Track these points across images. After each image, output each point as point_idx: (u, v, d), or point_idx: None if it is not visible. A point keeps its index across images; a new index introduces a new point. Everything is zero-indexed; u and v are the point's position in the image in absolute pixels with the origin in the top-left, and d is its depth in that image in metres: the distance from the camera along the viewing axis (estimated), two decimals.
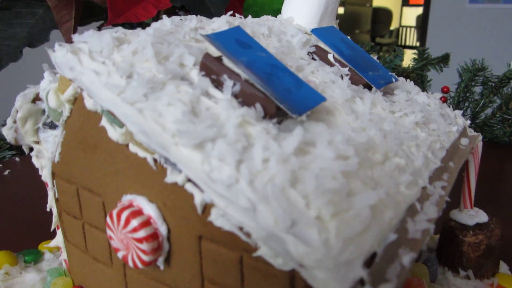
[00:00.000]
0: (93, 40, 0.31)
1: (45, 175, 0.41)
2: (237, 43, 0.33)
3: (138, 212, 0.32)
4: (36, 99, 0.37)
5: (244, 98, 0.30)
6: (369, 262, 0.24)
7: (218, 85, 0.31)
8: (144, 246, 0.31)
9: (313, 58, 0.44)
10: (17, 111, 0.37)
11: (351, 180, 0.27)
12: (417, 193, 0.31)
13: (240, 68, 0.31)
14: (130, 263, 0.33)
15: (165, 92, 0.29)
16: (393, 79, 0.45)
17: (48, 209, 0.43)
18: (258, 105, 0.30)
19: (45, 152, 0.39)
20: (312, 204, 0.24)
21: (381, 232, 0.25)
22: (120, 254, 0.34)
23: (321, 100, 0.33)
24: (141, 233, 0.31)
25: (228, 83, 0.30)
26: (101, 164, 0.35)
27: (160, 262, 0.33)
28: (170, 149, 0.27)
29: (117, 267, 0.38)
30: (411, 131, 0.38)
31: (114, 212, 0.32)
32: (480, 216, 0.49)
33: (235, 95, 0.31)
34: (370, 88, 0.42)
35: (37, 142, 0.39)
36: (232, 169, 0.25)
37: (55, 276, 0.45)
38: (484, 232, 0.48)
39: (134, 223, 0.31)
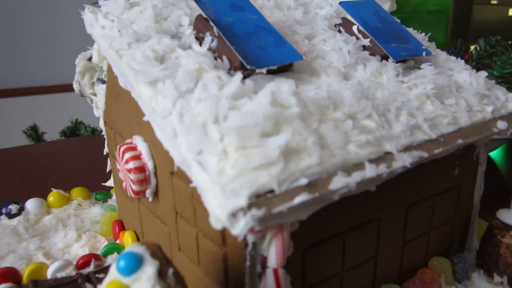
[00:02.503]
0: (110, 3, 0.37)
1: (101, 122, 0.50)
2: (230, 6, 0.37)
3: (132, 148, 0.37)
4: (91, 57, 0.46)
5: (218, 52, 0.34)
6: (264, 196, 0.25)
7: (201, 41, 0.35)
8: (132, 176, 0.37)
9: (339, 30, 0.44)
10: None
11: (281, 125, 0.28)
12: (370, 154, 0.29)
13: (218, 27, 0.34)
14: (127, 193, 0.39)
15: (147, 43, 0.34)
16: (423, 53, 0.42)
17: (104, 153, 0.52)
18: (224, 58, 0.33)
19: (99, 103, 0.48)
20: (224, 138, 0.26)
21: (287, 173, 0.26)
22: (123, 185, 0.40)
23: (296, 59, 0.34)
24: (131, 165, 0.37)
25: (207, 39, 0.34)
26: (121, 110, 0.42)
27: (149, 194, 0.38)
28: (134, 87, 0.32)
29: (135, 201, 0.45)
30: (411, 101, 0.35)
31: (117, 148, 0.39)
32: None
33: (213, 50, 0.34)
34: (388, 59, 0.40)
35: (94, 95, 0.49)
36: (169, 104, 0.29)
37: (107, 210, 0.54)
38: None
39: (127, 155, 0.37)
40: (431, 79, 0.38)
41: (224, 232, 0.30)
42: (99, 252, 0.46)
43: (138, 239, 0.47)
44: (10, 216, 0.53)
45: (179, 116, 0.28)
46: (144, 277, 0.24)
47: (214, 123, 0.27)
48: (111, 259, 0.46)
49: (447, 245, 0.46)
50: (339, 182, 0.27)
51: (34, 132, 1.01)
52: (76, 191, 0.58)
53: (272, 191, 0.25)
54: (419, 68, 0.41)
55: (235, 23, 0.35)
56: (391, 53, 0.40)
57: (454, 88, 0.40)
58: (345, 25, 0.44)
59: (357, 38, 0.42)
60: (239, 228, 0.24)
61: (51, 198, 0.56)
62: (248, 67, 0.32)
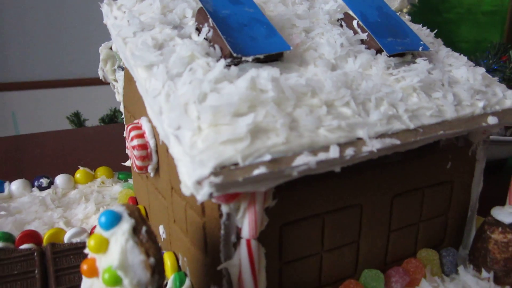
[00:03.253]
0: None
1: (121, 106, 0.54)
2: (229, 0, 0.40)
3: (137, 127, 0.42)
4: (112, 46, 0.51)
5: (213, 41, 0.37)
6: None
7: (200, 31, 0.38)
8: (136, 152, 0.41)
9: (341, 25, 0.46)
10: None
11: (256, 107, 0.31)
12: (339, 138, 0.31)
13: (215, 19, 0.37)
14: (133, 168, 0.43)
15: (150, 32, 0.37)
16: (420, 48, 0.43)
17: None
18: (216, 47, 0.36)
19: (120, 88, 0.53)
20: (200, 116, 0.30)
21: (252, 149, 0.28)
22: (131, 162, 0.44)
23: (284, 49, 0.37)
24: (135, 142, 0.41)
25: (204, 29, 0.37)
26: (133, 94, 0.46)
27: (150, 170, 0.42)
28: (134, 71, 0.36)
29: (144, 178, 0.49)
30: (395, 93, 0.37)
31: (126, 127, 0.43)
32: None
33: (209, 40, 0.37)
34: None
35: (116, 81, 0.53)
36: (159, 85, 0.32)
37: (125, 188, 0.59)
38: None
39: (132, 134, 0.41)
40: (419, 72, 0.39)
41: (203, 204, 0.33)
42: None
43: (146, 213, 0.51)
44: (41, 188, 0.59)
45: (166, 96, 0.32)
46: (120, 232, 0.28)
47: (194, 103, 0.31)
48: None
49: (440, 239, 0.46)
50: (301, 160, 0.29)
51: (76, 118, 1.09)
52: (101, 170, 0.64)
53: (236, 164, 0.28)
54: (414, 63, 0.42)
55: (231, 15, 0.38)
56: (385, 47, 0.42)
57: (446, 83, 0.41)
58: (346, 20, 0.45)
59: (355, 33, 0.44)
60: (202, 194, 0.27)
61: (78, 174, 0.62)
62: (235, 55, 0.34)
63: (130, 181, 0.63)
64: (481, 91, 0.42)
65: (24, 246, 0.46)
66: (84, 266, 0.29)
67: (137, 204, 0.55)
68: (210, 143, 0.28)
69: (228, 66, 0.35)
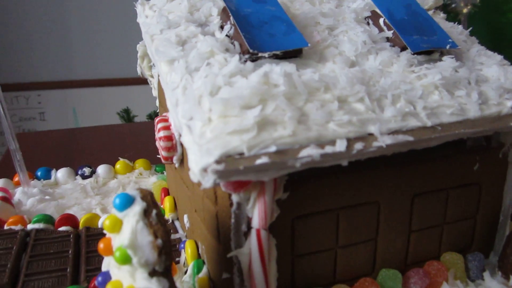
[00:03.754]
0: None
1: (157, 102, 0.57)
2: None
3: (164, 120, 0.44)
4: None
5: (234, 38, 0.38)
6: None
7: (223, 29, 0.40)
8: (162, 143, 0.43)
9: (367, 23, 0.46)
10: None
11: (266, 101, 0.32)
12: (348, 133, 0.32)
13: (237, 17, 0.38)
14: (162, 160, 0.45)
15: (176, 30, 0.40)
16: (448, 46, 0.42)
17: None
18: (236, 43, 0.37)
19: (155, 84, 0.56)
20: (211, 108, 0.31)
21: (258, 140, 0.29)
22: (160, 153, 0.46)
23: (301, 45, 0.37)
24: (161, 134, 0.43)
25: (226, 27, 0.39)
26: (162, 90, 0.48)
27: (175, 160, 0.44)
28: (158, 66, 0.38)
29: (174, 170, 0.51)
30: (415, 90, 0.36)
31: (155, 119, 0.45)
32: None
33: (230, 37, 0.39)
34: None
35: (152, 77, 0.56)
36: (178, 79, 0.34)
37: (159, 179, 0.62)
38: None
39: (159, 126, 0.43)
40: (443, 70, 0.38)
41: (216, 193, 0.35)
42: None
43: (175, 203, 0.53)
44: (84, 177, 0.63)
45: (182, 89, 0.33)
46: (132, 213, 0.30)
47: (207, 95, 0.32)
48: None
49: (467, 243, 0.45)
50: (306, 153, 0.30)
51: (126, 114, 1.15)
52: (139, 162, 0.67)
53: (242, 153, 0.29)
54: (441, 60, 0.41)
55: (252, 14, 0.39)
56: (410, 44, 0.41)
57: (473, 81, 0.39)
58: (373, 18, 0.45)
59: (381, 30, 0.44)
60: (206, 180, 0.28)
61: (118, 165, 0.66)
62: (251, 50, 0.36)
63: (165, 173, 0.66)
64: (511, 89, 0.40)
65: (62, 228, 0.50)
66: (101, 245, 0.31)
67: (168, 194, 0.57)
68: (218, 133, 0.30)
69: (245, 61, 0.36)
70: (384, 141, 0.32)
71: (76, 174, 0.64)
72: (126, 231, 0.30)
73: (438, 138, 0.34)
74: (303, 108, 0.32)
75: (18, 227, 0.49)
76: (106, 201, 0.57)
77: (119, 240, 0.30)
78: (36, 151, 0.80)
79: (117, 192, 0.60)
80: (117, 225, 0.30)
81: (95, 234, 0.49)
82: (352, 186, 0.37)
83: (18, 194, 0.57)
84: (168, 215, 0.52)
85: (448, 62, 0.41)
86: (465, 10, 1.90)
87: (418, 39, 0.42)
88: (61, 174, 0.63)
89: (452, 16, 2.18)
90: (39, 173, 0.63)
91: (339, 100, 0.34)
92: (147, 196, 0.31)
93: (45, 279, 0.41)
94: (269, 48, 0.36)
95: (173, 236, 0.48)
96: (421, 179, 0.40)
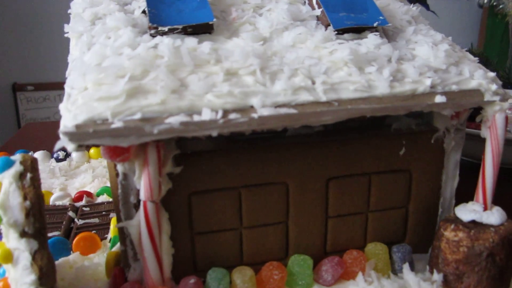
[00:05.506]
0: None
1: None
2: None
3: None
4: None
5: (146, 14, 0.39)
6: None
7: None
8: None
9: (304, 2, 0.44)
10: None
11: (148, 71, 0.32)
12: (225, 104, 0.31)
13: None
14: None
15: (97, 8, 0.41)
16: (376, 23, 0.40)
17: None
18: (144, 18, 0.38)
19: None
20: (90, 77, 0.32)
21: (124, 107, 0.29)
22: None
23: (206, 20, 0.37)
24: None
25: (142, 4, 0.40)
26: None
27: None
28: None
29: None
30: (319, 65, 0.35)
31: None
32: (486, 215, 0.37)
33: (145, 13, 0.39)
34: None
35: None
36: (77, 52, 0.35)
37: None
38: (469, 231, 0.36)
39: None
40: (359, 46, 0.37)
41: (111, 163, 0.35)
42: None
43: None
44: (58, 160, 0.66)
45: (77, 60, 0.34)
46: (8, 174, 0.31)
47: (93, 66, 0.33)
48: (102, 198, 0.54)
49: (399, 235, 0.42)
50: (169, 121, 0.29)
51: None
52: None
53: (106, 119, 0.29)
54: (365, 37, 0.39)
55: None
56: (334, 21, 0.39)
57: (395, 59, 0.37)
58: None
59: (313, 9, 0.42)
60: (60, 143, 0.28)
61: (91, 150, 0.68)
62: (150, 24, 0.36)
63: None
64: (439, 69, 0.37)
65: None
66: None
67: None
68: (87, 100, 0.30)
69: (152, 36, 0.36)
70: (261, 113, 0.31)
71: (52, 157, 0.67)
72: (1, 192, 0.31)
73: (331, 113, 0.33)
74: (185, 79, 0.32)
75: None
76: (69, 181, 0.60)
77: None
78: (38, 137, 0.85)
79: (85, 174, 0.62)
80: None
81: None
82: (256, 164, 0.36)
83: None
84: None
85: (371, 39, 0.39)
86: None
87: (344, 16, 0.40)
88: (37, 157, 0.66)
89: (500, 18, 2.06)
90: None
91: (227, 73, 0.33)
92: (27, 161, 0.32)
93: None
94: (171, 23, 0.36)
95: None
96: (336, 162, 0.38)
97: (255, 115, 0.31)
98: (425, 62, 0.37)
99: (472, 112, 0.40)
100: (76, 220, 0.49)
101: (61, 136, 0.29)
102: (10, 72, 2.13)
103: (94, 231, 0.46)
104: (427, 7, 0.88)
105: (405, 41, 0.41)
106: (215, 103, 0.31)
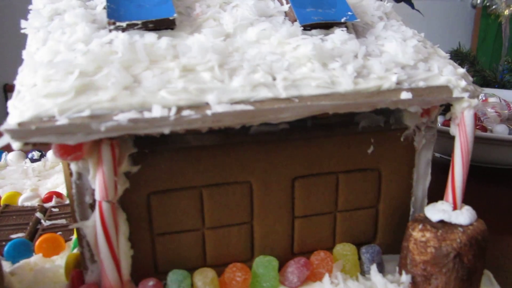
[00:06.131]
0: None
1: None
2: None
3: None
4: None
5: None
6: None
7: None
8: None
9: None
10: None
11: (101, 68, 0.31)
12: (178, 101, 0.30)
13: None
14: None
15: (57, 4, 0.39)
16: (343, 18, 0.39)
17: None
18: (105, 14, 0.37)
19: None
20: (40, 73, 0.30)
21: (72, 104, 0.28)
22: None
23: (166, 15, 0.36)
24: None
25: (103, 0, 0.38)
26: None
27: None
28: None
29: None
30: (281, 61, 0.34)
31: None
32: (455, 215, 0.36)
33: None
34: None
35: None
36: (34, 48, 0.34)
37: None
38: (437, 231, 0.35)
39: None
40: (324, 42, 0.36)
41: (65, 162, 0.34)
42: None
43: None
44: (33, 160, 0.65)
45: (30, 56, 0.33)
46: None
47: (46, 61, 0.32)
48: None
49: (369, 235, 0.41)
50: (117, 118, 0.28)
51: None
52: None
53: (54, 117, 0.28)
54: (332, 33, 0.38)
55: None
56: (300, 17, 0.39)
57: (361, 55, 0.36)
58: None
59: (282, 4, 0.41)
60: (2, 140, 0.27)
61: None
62: (107, 20, 0.35)
63: None
64: (407, 65, 0.36)
65: None
66: None
67: None
68: (35, 96, 0.29)
69: (110, 32, 0.35)
70: (216, 109, 0.30)
71: (26, 157, 0.66)
72: None
73: (291, 109, 0.32)
74: (139, 75, 0.31)
75: None
76: (42, 182, 0.59)
77: None
78: None
79: (59, 175, 0.61)
80: None
81: (11, 210, 0.50)
82: (217, 163, 0.35)
83: None
84: None
85: (338, 35, 0.38)
86: (506, 12, 1.79)
87: (312, 12, 0.39)
88: (11, 157, 0.65)
89: (493, 18, 2.06)
90: None
91: (184, 69, 0.32)
92: None
93: None
94: (130, 18, 0.35)
95: None
96: (302, 161, 0.37)
97: (209, 112, 0.30)
98: (393, 58, 0.37)
99: (444, 109, 0.39)
100: (42, 221, 0.48)
101: (4, 133, 0.28)
102: (1, 73, 2.12)
103: (60, 233, 0.45)
104: (412, 5, 0.87)
105: (375, 37, 0.40)
106: (169, 100, 0.30)
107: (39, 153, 0.65)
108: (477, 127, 0.66)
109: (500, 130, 0.67)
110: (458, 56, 1.09)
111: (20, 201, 0.52)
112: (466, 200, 0.38)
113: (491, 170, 0.68)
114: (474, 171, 0.67)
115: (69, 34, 0.34)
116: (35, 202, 0.52)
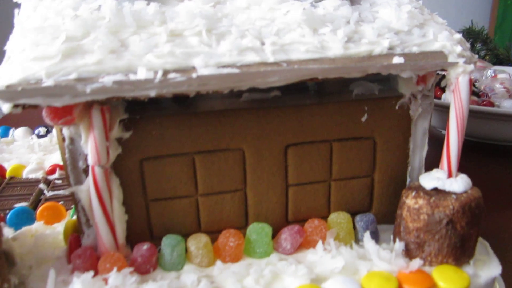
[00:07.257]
0: None
1: None
2: None
3: None
4: None
5: None
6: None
7: None
8: None
9: None
10: None
11: (89, 32, 0.31)
12: (164, 64, 0.30)
13: None
14: None
15: None
16: None
17: None
18: None
19: None
20: (28, 38, 0.31)
21: (59, 67, 0.29)
22: None
23: None
24: None
25: None
26: None
27: None
28: None
29: None
30: (271, 26, 0.34)
31: None
32: (449, 183, 0.35)
33: None
34: None
35: None
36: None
37: None
38: (430, 198, 0.34)
39: None
40: (316, 8, 0.35)
41: (58, 127, 0.34)
42: None
43: None
44: (39, 136, 0.66)
45: (20, 23, 0.34)
46: None
47: (36, 26, 0.32)
48: None
49: (364, 205, 0.41)
50: (103, 80, 0.29)
51: None
52: None
53: (41, 80, 0.29)
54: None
55: None
56: None
57: (354, 20, 0.35)
58: None
59: None
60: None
61: None
62: None
63: None
64: (401, 31, 0.36)
65: None
66: None
67: None
68: (22, 60, 0.29)
69: None
70: (202, 72, 0.30)
71: (33, 133, 0.67)
72: None
73: (278, 73, 0.31)
74: (126, 40, 0.31)
75: None
76: (46, 157, 0.60)
77: None
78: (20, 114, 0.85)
79: None
80: None
81: (16, 182, 0.51)
82: (209, 130, 0.36)
83: None
84: None
85: (330, 0, 0.37)
86: None
87: None
88: (18, 133, 0.66)
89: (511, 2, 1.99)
90: None
91: (172, 34, 0.32)
92: None
93: None
94: None
95: None
96: (294, 128, 0.37)
97: (194, 75, 0.30)
98: (387, 24, 0.36)
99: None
100: (45, 191, 0.49)
101: None
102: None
103: (62, 202, 0.46)
104: None
105: (370, 3, 0.39)
106: (155, 63, 0.30)
107: (45, 129, 0.66)
108: (484, 102, 0.65)
109: (508, 106, 0.65)
110: (470, 35, 1.06)
111: (25, 173, 0.53)
112: (473, 178, 0.37)
113: (499, 147, 0.67)
114: (482, 147, 0.66)
115: (58, 1, 0.34)
116: (39, 175, 0.53)
